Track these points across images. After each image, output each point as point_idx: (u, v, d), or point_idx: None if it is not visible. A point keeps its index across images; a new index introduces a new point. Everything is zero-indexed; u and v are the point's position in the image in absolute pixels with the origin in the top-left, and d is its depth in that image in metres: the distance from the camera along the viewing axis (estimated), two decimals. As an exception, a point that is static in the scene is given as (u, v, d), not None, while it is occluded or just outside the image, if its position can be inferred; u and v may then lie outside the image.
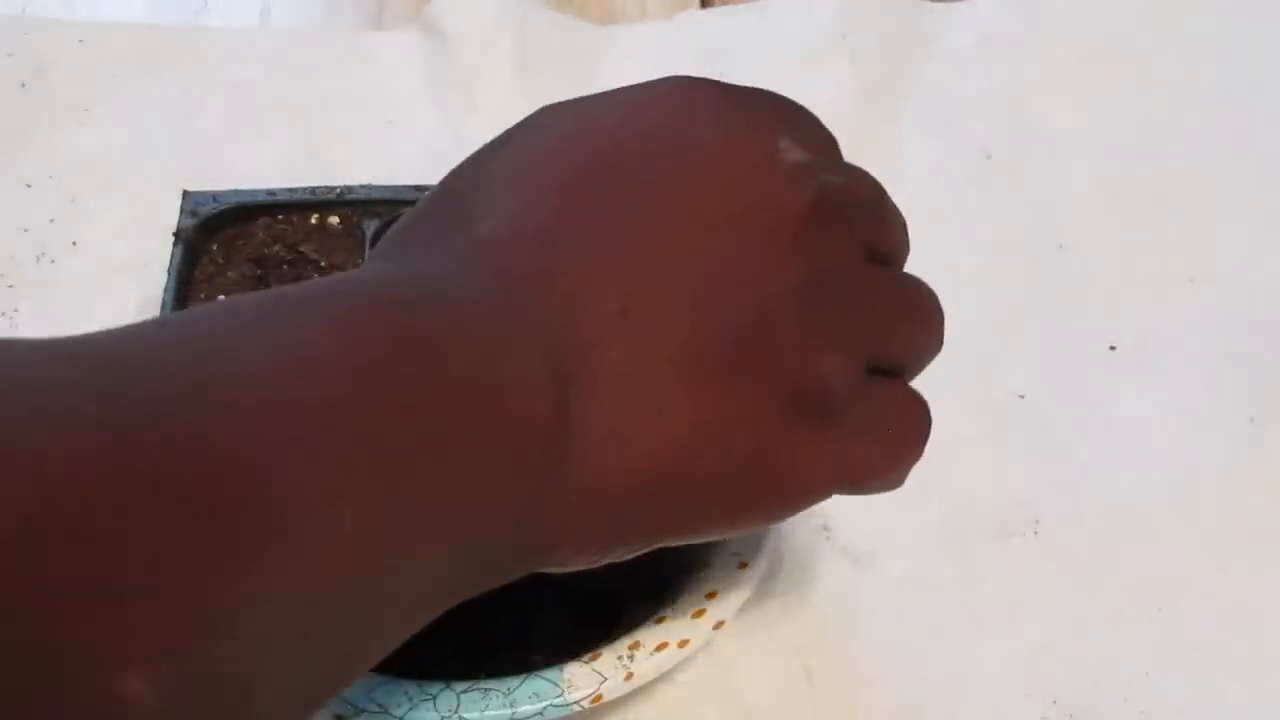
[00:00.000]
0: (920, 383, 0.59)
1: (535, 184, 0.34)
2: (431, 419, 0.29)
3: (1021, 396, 0.58)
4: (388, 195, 0.54)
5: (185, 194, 0.53)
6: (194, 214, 0.52)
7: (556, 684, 0.47)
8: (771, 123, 0.36)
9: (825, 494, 0.37)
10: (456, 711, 0.46)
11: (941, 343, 0.40)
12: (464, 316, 0.31)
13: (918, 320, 0.39)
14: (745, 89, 0.37)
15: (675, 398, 0.33)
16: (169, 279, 0.51)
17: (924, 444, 0.39)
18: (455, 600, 0.31)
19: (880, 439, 0.38)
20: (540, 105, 0.39)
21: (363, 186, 0.54)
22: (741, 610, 0.52)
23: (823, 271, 0.35)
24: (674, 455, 0.33)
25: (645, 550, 0.36)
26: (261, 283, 0.53)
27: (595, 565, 0.35)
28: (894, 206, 0.40)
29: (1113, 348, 0.59)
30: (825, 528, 0.55)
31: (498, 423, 0.30)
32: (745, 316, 0.34)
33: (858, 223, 0.37)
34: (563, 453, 0.31)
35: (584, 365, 0.32)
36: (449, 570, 0.30)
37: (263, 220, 0.53)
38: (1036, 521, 0.55)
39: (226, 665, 0.24)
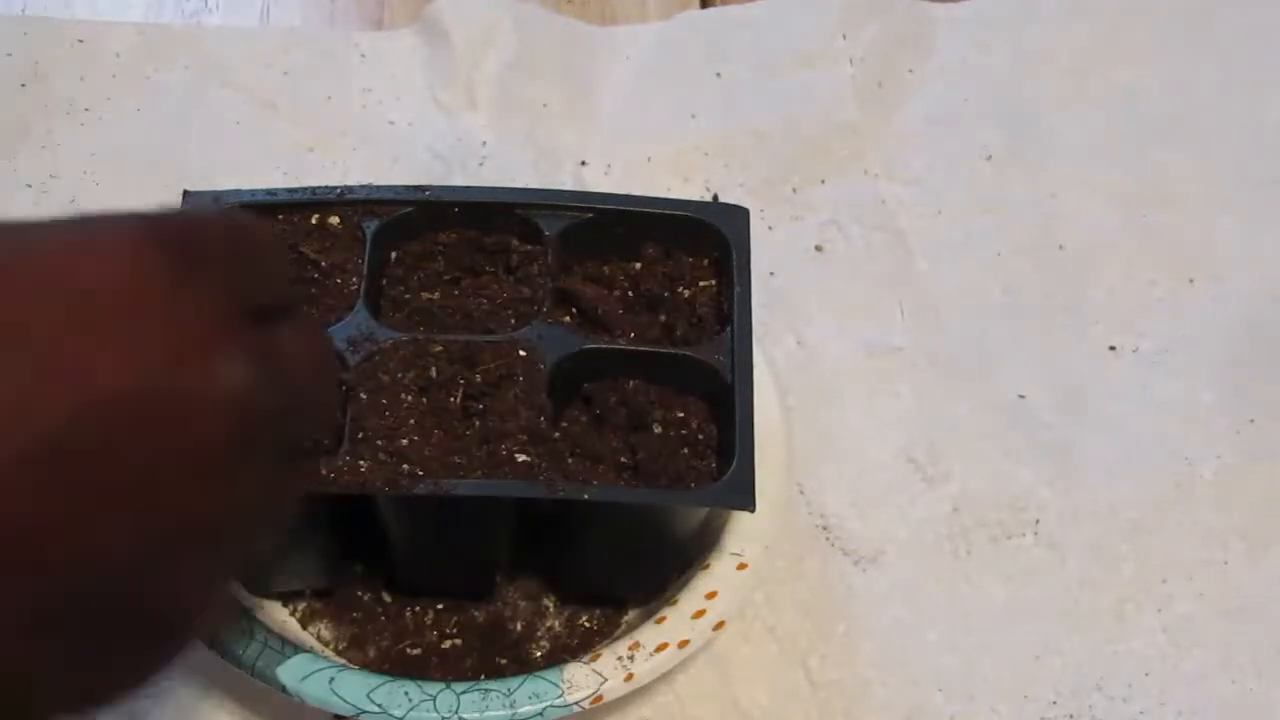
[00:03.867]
0: (921, 383, 0.59)
1: None
2: None
3: (1021, 396, 0.58)
4: (388, 195, 0.53)
5: (185, 194, 0.53)
6: (194, 214, 0.52)
7: (556, 684, 0.47)
8: (221, 323, 0.31)
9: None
10: (456, 712, 0.46)
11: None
12: None
13: None
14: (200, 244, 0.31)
15: None
16: (169, 279, 0.51)
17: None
18: None
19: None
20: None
21: (363, 186, 0.54)
22: (741, 610, 0.52)
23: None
24: None
25: None
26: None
27: None
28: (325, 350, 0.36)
29: (1113, 348, 0.59)
30: (825, 528, 0.55)
31: None
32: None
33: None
34: None
35: None
36: None
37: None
38: (1036, 521, 0.55)
39: None
